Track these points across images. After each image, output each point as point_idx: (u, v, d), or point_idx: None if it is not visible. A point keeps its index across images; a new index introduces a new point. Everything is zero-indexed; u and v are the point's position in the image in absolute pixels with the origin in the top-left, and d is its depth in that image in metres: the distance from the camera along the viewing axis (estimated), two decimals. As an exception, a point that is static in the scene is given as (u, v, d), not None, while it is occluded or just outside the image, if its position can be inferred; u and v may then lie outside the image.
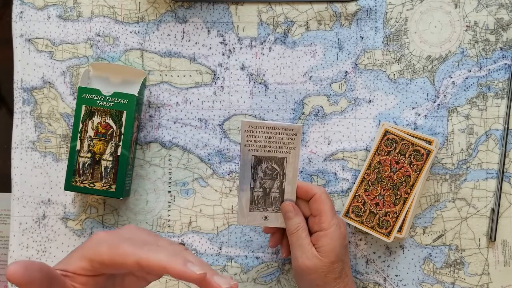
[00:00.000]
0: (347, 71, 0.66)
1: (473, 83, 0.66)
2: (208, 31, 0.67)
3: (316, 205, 0.57)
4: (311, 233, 0.57)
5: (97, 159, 0.63)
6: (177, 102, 0.67)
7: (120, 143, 0.63)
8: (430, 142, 0.62)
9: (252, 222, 0.59)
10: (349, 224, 0.65)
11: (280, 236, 0.61)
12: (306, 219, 0.58)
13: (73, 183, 0.63)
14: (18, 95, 0.67)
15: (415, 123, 0.66)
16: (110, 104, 0.63)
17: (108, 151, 0.63)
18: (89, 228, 0.66)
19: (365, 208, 0.62)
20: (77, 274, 0.43)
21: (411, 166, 0.61)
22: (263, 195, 0.58)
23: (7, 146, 0.67)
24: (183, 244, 0.66)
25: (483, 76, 0.66)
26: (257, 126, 0.56)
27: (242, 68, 0.67)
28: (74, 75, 0.67)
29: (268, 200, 0.59)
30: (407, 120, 0.66)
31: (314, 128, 0.66)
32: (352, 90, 0.66)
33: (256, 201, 0.59)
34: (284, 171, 0.58)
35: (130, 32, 0.67)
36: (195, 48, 0.67)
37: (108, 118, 0.63)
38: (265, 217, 0.59)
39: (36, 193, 0.67)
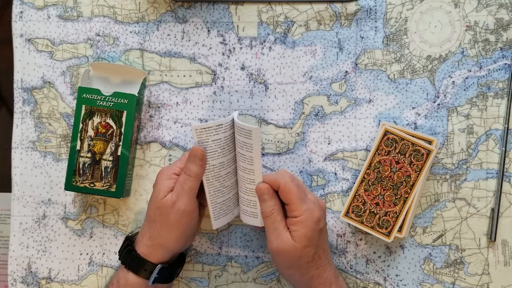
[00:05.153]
0: (347, 71, 0.66)
1: (473, 83, 0.66)
2: (208, 31, 0.67)
3: (283, 195, 0.57)
4: (287, 217, 0.57)
5: (97, 159, 0.63)
6: (177, 102, 0.67)
7: (120, 143, 0.63)
8: (430, 142, 0.62)
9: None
10: (349, 224, 0.65)
11: None
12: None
13: (73, 183, 0.63)
14: (18, 95, 0.67)
15: (415, 123, 0.66)
16: (110, 104, 0.63)
17: (108, 151, 0.63)
18: (89, 228, 0.66)
19: (365, 208, 0.62)
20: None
21: (411, 166, 0.61)
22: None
23: (7, 146, 0.67)
24: None
25: (483, 76, 0.66)
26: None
27: (242, 68, 0.67)
28: (74, 75, 0.67)
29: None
30: (407, 120, 0.66)
31: (314, 128, 0.66)
32: (352, 90, 0.66)
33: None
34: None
35: (130, 32, 0.67)
36: (195, 48, 0.67)
37: (108, 118, 0.63)
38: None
39: (36, 193, 0.67)
